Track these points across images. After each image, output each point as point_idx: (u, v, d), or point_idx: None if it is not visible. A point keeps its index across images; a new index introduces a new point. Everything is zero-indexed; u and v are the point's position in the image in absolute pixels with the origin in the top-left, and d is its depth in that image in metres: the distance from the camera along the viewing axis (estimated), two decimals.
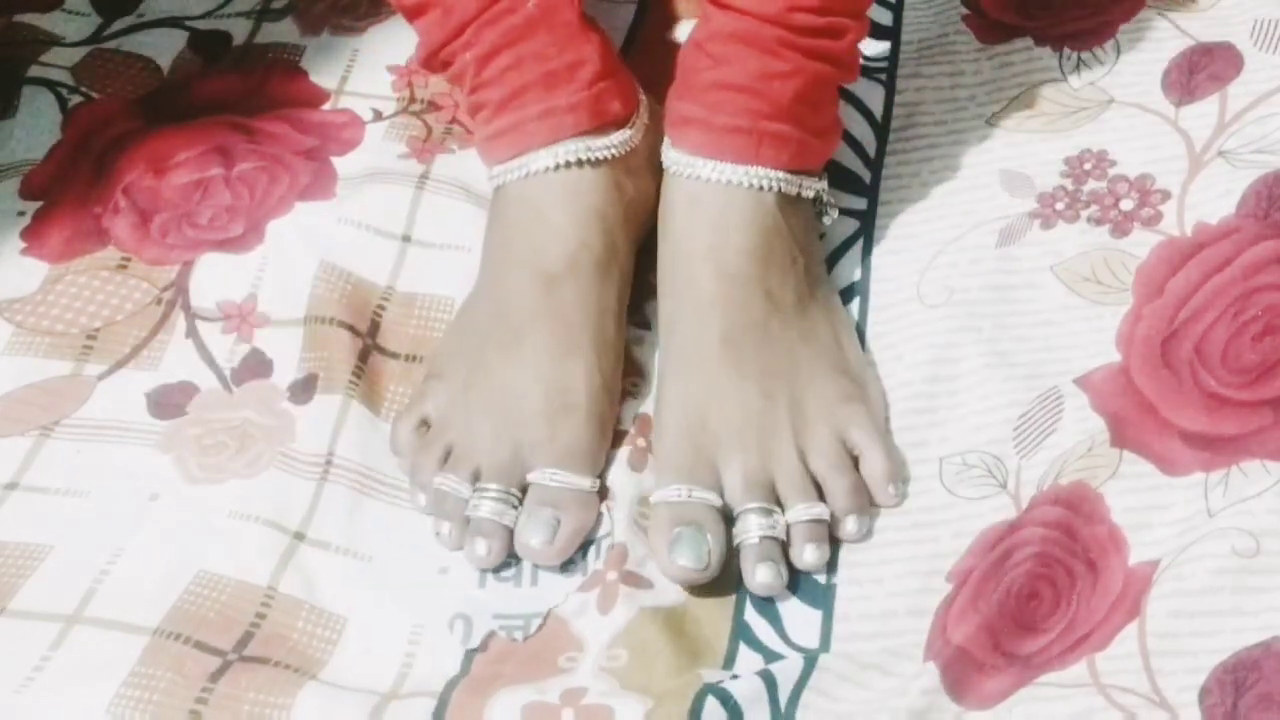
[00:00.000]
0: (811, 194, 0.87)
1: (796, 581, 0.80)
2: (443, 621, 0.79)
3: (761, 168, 0.85)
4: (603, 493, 0.83)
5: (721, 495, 0.80)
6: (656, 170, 0.89)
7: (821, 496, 0.81)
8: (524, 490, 0.82)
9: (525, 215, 0.87)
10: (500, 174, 0.88)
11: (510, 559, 0.81)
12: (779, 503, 0.80)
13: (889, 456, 0.82)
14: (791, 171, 0.86)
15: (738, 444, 0.81)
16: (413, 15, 0.89)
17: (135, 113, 1.02)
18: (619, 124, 0.88)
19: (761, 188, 0.85)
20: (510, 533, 0.81)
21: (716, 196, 0.85)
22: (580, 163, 0.87)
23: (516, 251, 0.86)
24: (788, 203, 0.86)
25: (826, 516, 0.80)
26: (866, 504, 0.81)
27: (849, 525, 0.80)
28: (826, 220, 0.89)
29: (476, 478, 0.82)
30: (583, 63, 0.87)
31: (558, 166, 0.87)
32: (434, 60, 0.90)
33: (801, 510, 0.80)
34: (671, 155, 0.86)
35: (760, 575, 0.78)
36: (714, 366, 0.82)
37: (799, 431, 0.82)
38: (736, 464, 0.81)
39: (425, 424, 0.85)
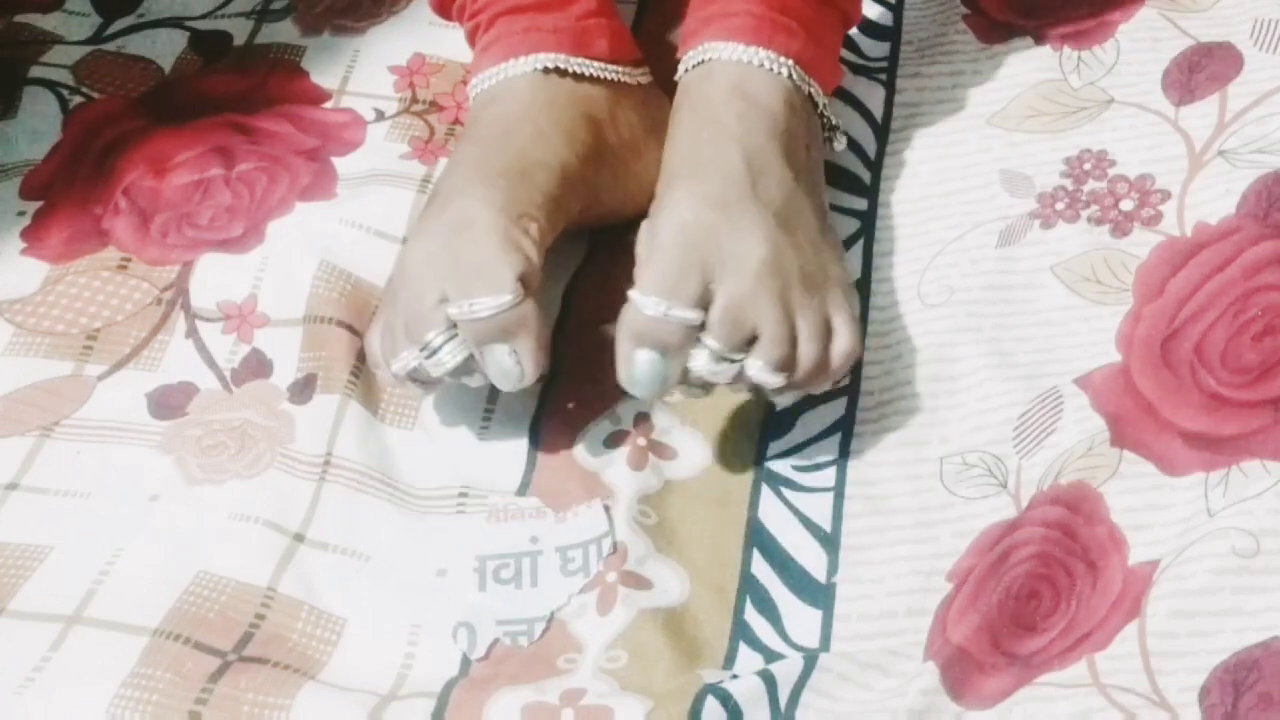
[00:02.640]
0: (821, 103, 0.89)
1: (797, 581, 0.80)
2: (445, 629, 0.78)
3: (774, 51, 0.86)
4: (602, 492, 0.83)
5: (702, 313, 0.78)
6: (642, 150, 0.90)
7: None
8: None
9: (495, 116, 0.88)
10: (479, 82, 0.90)
11: (509, 560, 0.81)
12: (747, 344, 0.79)
13: (857, 340, 0.81)
14: (802, 69, 0.88)
15: (736, 269, 0.79)
16: None
17: (136, 113, 1.02)
18: (605, 61, 0.90)
19: (774, 70, 0.86)
20: (471, 358, 0.80)
21: (733, 69, 0.86)
22: (559, 71, 0.88)
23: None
24: (799, 100, 0.87)
25: (782, 384, 0.79)
26: (819, 383, 0.81)
27: (784, 393, 0.80)
28: (836, 145, 0.91)
29: (414, 339, 0.81)
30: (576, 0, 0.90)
31: (534, 70, 0.88)
32: (444, 2, 0.94)
33: (760, 368, 0.79)
34: (687, 55, 0.88)
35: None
36: (733, 185, 0.82)
37: (796, 288, 0.80)
38: (729, 290, 0.78)
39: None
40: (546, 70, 0.88)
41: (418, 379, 0.83)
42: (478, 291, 0.79)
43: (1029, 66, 0.98)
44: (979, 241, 0.90)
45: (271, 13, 1.09)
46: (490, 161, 0.85)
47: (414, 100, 1.02)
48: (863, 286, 0.90)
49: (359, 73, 1.04)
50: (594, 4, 0.91)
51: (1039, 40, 0.99)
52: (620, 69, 0.91)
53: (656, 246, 0.79)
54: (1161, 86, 0.94)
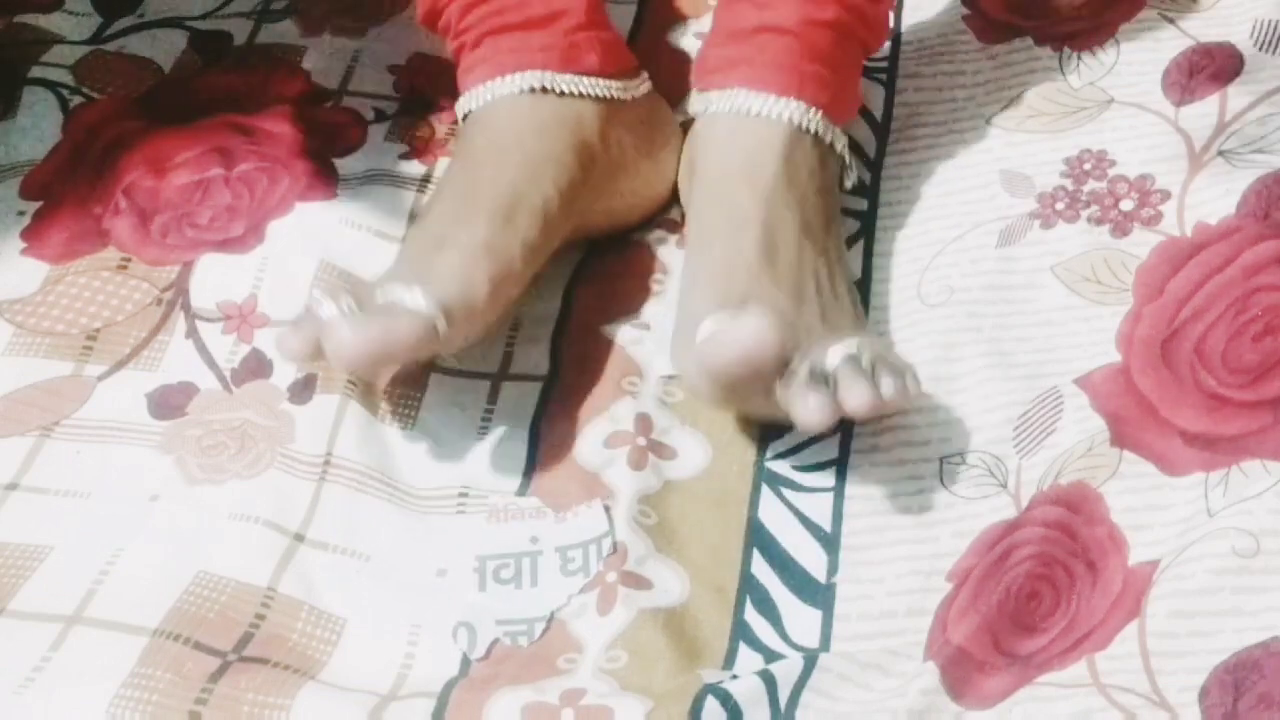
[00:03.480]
0: (840, 146, 0.89)
1: (797, 581, 0.80)
2: (445, 629, 0.78)
3: (802, 103, 0.86)
4: (602, 492, 0.83)
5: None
6: (633, 168, 0.90)
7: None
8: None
9: (485, 144, 0.88)
10: (466, 102, 0.89)
11: (509, 560, 0.81)
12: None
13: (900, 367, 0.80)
14: (827, 118, 0.88)
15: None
16: None
17: (136, 113, 1.02)
18: (596, 76, 0.89)
19: (801, 125, 0.86)
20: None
21: (756, 127, 0.86)
22: (545, 90, 0.88)
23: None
24: (820, 150, 0.87)
25: (860, 352, 0.79)
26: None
27: (885, 383, 0.78)
28: (848, 183, 0.91)
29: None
30: (564, 13, 0.89)
31: (521, 91, 0.88)
32: (431, 16, 0.93)
33: (839, 350, 0.78)
34: (711, 96, 0.88)
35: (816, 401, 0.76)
36: (751, 273, 0.82)
37: (824, 338, 0.81)
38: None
39: None
40: (534, 90, 0.88)
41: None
42: (396, 280, 0.81)
43: (1029, 66, 0.98)
44: (979, 241, 0.90)
45: (271, 13, 1.09)
46: (479, 196, 0.85)
47: (414, 100, 1.02)
48: (863, 286, 0.90)
49: (359, 73, 1.04)
50: (583, 17, 0.90)
51: (1039, 40, 0.99)
52: (613, 84, 0.90)
53: (713, 334, 0.79)
54: (1161, 86, 0.94)
